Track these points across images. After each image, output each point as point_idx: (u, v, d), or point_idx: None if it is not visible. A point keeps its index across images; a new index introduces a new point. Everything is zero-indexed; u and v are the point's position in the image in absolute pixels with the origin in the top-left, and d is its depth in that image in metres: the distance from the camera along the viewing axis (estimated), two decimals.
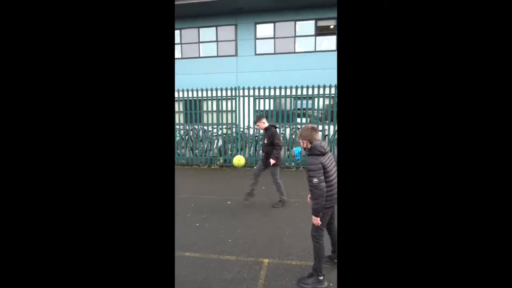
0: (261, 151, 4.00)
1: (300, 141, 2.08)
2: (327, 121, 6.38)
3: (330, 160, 2.02)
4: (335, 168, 2.03)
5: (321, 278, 2.02)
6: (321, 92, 6.20)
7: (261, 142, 4.04)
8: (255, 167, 3.99)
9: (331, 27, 8.73)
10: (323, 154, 1.95)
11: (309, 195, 2.05)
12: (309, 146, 2.02)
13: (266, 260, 2.45)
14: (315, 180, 1.88)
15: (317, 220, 1.96)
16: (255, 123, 3.93)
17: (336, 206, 1.98)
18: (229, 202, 4.04)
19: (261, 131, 4.13)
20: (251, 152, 6.55)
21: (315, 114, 6.64)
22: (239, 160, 4.08)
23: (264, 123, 3.79)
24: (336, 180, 2.01)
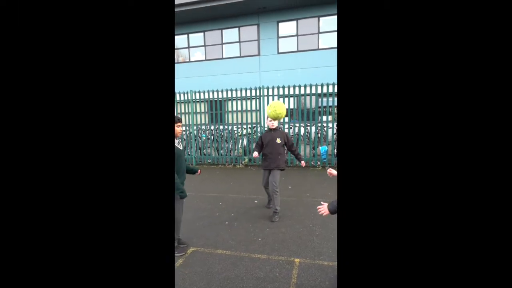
0: (255, 152, 3.51)
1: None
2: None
3: None
4: None
5: None
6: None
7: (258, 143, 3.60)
8: (263, 181, 3.60)
9: None
10: None
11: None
12: None
13: (297, 260, 2.44)
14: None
15: (326, 212, 1.81)
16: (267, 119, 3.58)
17: None
18: (256, 201, 4.07)
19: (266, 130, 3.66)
20: None
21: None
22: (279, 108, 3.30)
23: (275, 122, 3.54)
24: None
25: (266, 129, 3.34)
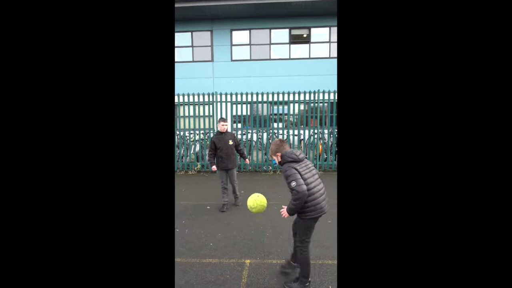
0: (214, 166, 3.79)
1: (273, 157, 2.05)
2: (302, 126, 6.63)
3: (308, 168, 1.96)
4: (316, 177, 1.97)
5: (307, 284, 2.00)
6: (296, 98, 6.44)
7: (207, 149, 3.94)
8: (222, 182, 3.84)
9: (304, 36, 9.11)
10: (295, 161, 1.92)
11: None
12: (279, 158, 2.02)
13: (248, 261, 2.51)
14: (293, 183, 1.81)
15: (286, 215, 1.93)
16: (219, 123, 3.80)
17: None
18: (208, 207, 4.04)
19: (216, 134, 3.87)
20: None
21: (291, 119, 6.87)
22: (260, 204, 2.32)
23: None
24: (319, 191, 1.93)
25: (215, 133, 3.48)
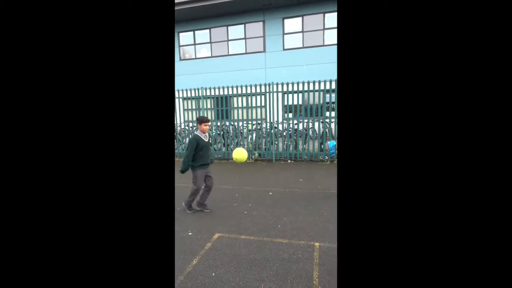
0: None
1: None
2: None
3: None
4: None
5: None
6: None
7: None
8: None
9: None
10: None
11: None
12: None
13: (317, 244, 2.63)
14: None
15: None
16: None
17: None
18: (270, 193, 4.26)
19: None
20: (284, 146, 6.73)
21: None
22: (241, 155, 3.37)
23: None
24: None
25: (197, 134, 3.40)
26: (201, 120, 3.38)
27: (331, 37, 9.04)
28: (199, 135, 3.36)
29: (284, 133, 6.83)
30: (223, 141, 7.22)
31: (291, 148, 6.75)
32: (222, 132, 7.21)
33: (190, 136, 6.23)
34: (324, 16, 8.92)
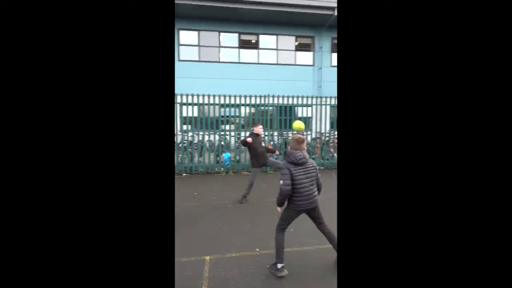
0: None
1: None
2: (249, 128, 6.88)
3: (305, 172, 2.19)
4: (309, 180, 2.21)
5: (279, 266, 2.24)
6: (244, 101, 6.54)
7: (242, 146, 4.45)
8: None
9: (253, 41, 9.49)
10: (293, 163, 2.17)
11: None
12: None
13: (208, 257, 2.58)
14: (281, 181, 2.16)
15: (279, 209, 2.34)
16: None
17: (315, 208, 2.27)
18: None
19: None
20: (179, 159, 6.44)
21: (238, 121, 7.07)
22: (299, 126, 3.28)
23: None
24: (307, 192, 2.20)
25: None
26: None
27: (227, 54, 9.57)
28: None
29: (180, 145, 6.56)
30: None
31: (186, 161, 6.54)
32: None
33: None
34: (219, 34, 9.38)
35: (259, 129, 4.28)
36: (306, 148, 2.29)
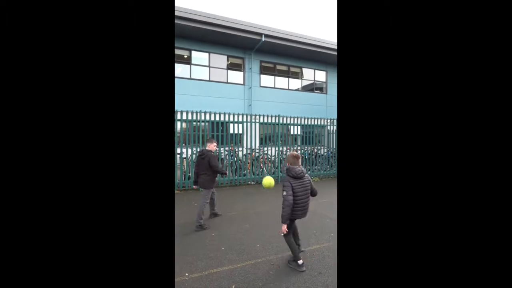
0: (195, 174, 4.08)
1: (287, 164, 2.54)
2: (184, 144, 6.60)
3: (302, 185, 2.45)
4: (304, 193, 2.46)
5: (300, 262, 2.48)
6: (179, 117, 6.34)
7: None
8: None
9: (185, 56, 9.34)
10: (294, 177, 2.43)
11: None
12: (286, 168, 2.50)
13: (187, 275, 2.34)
14: (284, 192, 2.40)
15: (284, 227, 2.37)
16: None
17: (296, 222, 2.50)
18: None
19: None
20: None
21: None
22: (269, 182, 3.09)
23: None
24: (303, 203, 2.46)
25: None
26: None
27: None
28: None
29: None
30: None
31: None
32: None
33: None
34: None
35: (213, 146, 3.97)
36: (301, 164, 2.57)
